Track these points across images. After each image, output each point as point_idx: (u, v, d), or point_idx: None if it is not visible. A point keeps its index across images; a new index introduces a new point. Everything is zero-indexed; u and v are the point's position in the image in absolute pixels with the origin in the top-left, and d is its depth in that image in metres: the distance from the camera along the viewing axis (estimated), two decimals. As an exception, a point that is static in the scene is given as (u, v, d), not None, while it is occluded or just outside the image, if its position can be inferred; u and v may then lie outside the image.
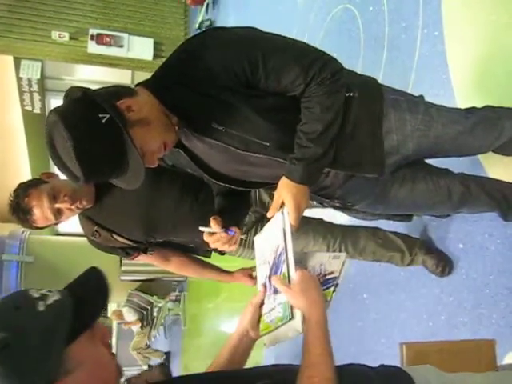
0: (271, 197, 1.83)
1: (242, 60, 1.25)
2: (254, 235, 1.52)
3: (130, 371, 7.97)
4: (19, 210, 1.72)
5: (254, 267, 1.47)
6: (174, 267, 2.13)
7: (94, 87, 1.27)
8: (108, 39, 7.03)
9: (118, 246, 1.93)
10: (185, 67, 1.29)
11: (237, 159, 1.38)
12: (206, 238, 1.50)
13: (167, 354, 8.93)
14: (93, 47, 6.97)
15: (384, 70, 2.89)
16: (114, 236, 1.88)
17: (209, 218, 1.49)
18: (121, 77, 7.48)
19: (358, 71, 1.52)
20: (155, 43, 7.29)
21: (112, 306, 8.76)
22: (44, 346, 0.78)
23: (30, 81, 7.09)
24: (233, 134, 1.30)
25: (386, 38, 2.92)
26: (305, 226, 2.06)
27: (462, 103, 2.15)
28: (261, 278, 1.29)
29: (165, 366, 8.16)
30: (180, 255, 2.10)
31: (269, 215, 1.35)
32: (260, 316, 1.21)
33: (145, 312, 8.18)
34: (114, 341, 9.54)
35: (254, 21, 5.17)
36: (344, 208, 1.70)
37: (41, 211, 1.71)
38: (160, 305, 8.33)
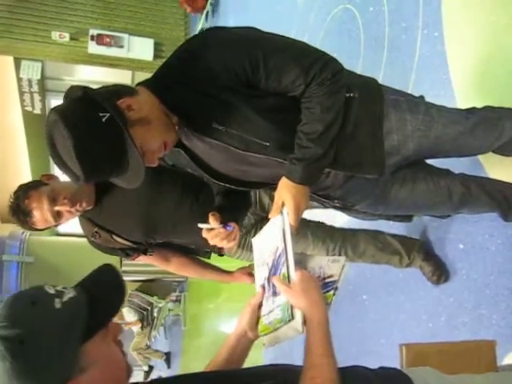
0: (272, 199, 1.83)
1: (243, 60, 1.25)
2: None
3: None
4: (19, 211, 1.72)
5: (253, 265, 1.47)
6: (174, 267, 2.13)
7: (94, 87, 1.27)
8: (108, 40, 7.03)
9: (118, 247, 1.93)
10: (185, 67, 1.29)
11: (237, 159, 1.38)
12: (204, 234, 1.51)
13: (167, 354, 8.92)
14: (93, 48, 6.97)
15: (384, 71, 2.88)
16: (114, 237, 1.88)
17: (208, 220, 1.49)
18: (121, 77, 7.48)
19: (358, 71, 1.52)
20: (155, 44, 7.29)
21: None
22: (59, 344, 0.78)
23: (30, 81, 7.09)
24: (233, 134, 1.30)
25: (386, 38, 2.92)
26: (304, 229, 2.06)
27: (463, 103, 2.15)
28: (259, 280, 1.29)
29: None
30: (180, 256, 2.10)
31: (271, 216, 1.35)
32: (258, 317, 1.21)
33: (145, 312, 8.18)
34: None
35: (254, 23, 5.17)
36: (344, 208, 1.70)
37: (40, 213, 1.71)
38: (160, 305, 8.33)
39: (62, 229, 8.55)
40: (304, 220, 1.98)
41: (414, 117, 1.45)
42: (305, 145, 1.29)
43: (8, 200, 1.73)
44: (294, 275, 1.14)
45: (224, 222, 1.49)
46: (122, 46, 7.11)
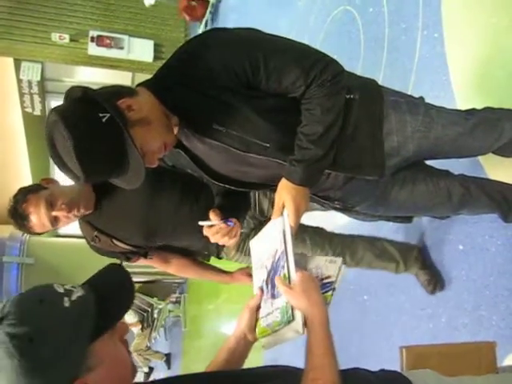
0: (272, 203, 1.82)
1: (243, 61, 1.25)
2: None
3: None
4: (17, 215, 1.72)
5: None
6: (174, 269, 2.13)
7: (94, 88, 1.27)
8: (108, 41, 7.03)
9: (119, 251, 1.93)
10: (185, 67, 1.29)
11: (237, 160, 1.38)
12: (205, 231, 1.50)
13: (168, 355, 8.91)
14: (93, 49, 6.97)
15: (384, 72, 2.89)
16: (114, 241, 1.88)
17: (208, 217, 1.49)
18: (121, 79, 7.48)
19: (358, 73, 1.52)
20: (155, 45, 7.29)
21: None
22: (67, 343, 0.78)
23: (30, 83, 7.09)
24: (233, 135, 1.30)
25: (385, 39, 2.93)
26: (302, 235, 2.06)
27: (462, 105, 2.15)
28: (257, 282, 1.29)
29: None
30: (180, 257, 2.10)
31: (273, 218, 1.35)
32: (257, 319, 1.21)
33: (145, 314, 8.17)
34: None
35: (254, 26, 5.17)
36: (344, 209, 1.70)
37: (38, 218, 1.71)
38: (160, 306, 8.33)
39: (62, 230, 8.55)
40: (302, 225, 1.98)
41: (414, 118, 1.45)
42: (305, 146, 1.29)
43: (8, 202, 1.74)
44: (295, 276, 1.14)
45: (225, 218, 1.49)
46: (121, 48, 7.11)
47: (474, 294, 2.07)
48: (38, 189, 1.75)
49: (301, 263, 1.24)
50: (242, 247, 2.06)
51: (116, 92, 1.25)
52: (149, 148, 1.25)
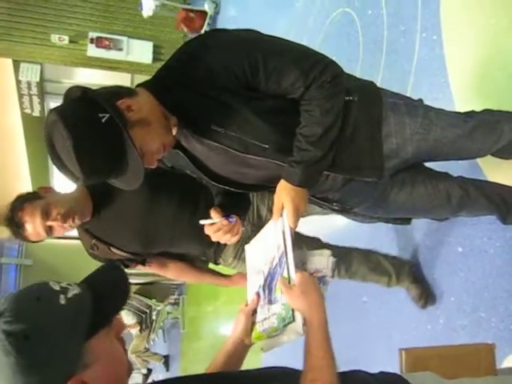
0: (270, 212, 1.82)
1: (243, 61, 1.25)
2: None
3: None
4: (13, 223, 1.73)
5: None
6: (173, 273, 2.14)
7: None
8: (107, 42, 7.03)
9: (117, 258, 1.93)
10: (185, 68, 1.29)
11: (236, 161, 1.38)
12: (207, 230, 1.48)
13: (166, 357, 8.90)
14: (92, 50, 6.96)
15: (383, 74, 2.89)
16: (112, 249, 1.89)
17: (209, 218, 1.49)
18: (120, 80, 7.47)
19: (357, 75, 1.52)
20: (154, 46, 7.29)
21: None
22: (63, 340, 0.78)
23: (29, 84, 7.08)
24: (232, 136, 1.29)
25: (384, 41, 2.93)
26: (299, 242, 2.06)
27: (461, 107, 2.16)
28: (253, 287, 1.29)
29: None
30: (178, 261, 2.10)
31: (273, 220, 1.35)
32: (253, 323, 1.22)
33: (144, 315, 8.17)
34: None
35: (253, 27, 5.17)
36: (343, 211, 1.70)
37: (33, 227, 1.72)
38: (159, 308, 8.32)
39: (61, 231, 8.53)
40: (298, 234, 1.98)
41: (413, 120, 1.45)
42: (304, 147, 1.29)
43: (5, 208, 1.74)
44: (295, 276, 1.14)
45: (226, 215, 1.48)
46: (121, 49, 7.11)
47: (473, 295, 2.07)
48: (35, 197, 1.76)
49: (300, 261, 1.24)
50: (240, 254, 2.05)
51: (115, 92, 1.25)
52: (148, 148, 1.25)
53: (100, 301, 0.84)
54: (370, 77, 1.56)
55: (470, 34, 2.26)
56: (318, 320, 1.04)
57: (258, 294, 1.25)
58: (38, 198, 1.76)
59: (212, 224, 1.47)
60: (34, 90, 7.17)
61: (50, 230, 1.75)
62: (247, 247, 1.44)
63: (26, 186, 7.62)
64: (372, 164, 1.43)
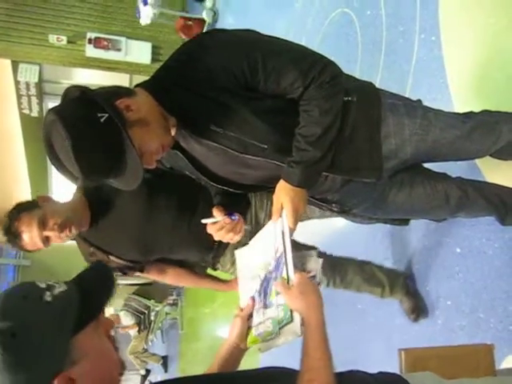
0: (269, 217, 1.82)
1: (242, 62, 1.25)
2: None
3: (127, 375, 7.92)
4: (10, 233, 1.74)
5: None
6: (171, 279, 2.14)
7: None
8: (106, 43, 7.02)
9: (115, 266, 1.93)
10: (184, 68, 1.29)
11: (234, 162, 1.37)
12: (209, 229, 1.47)
13: (164, 358, 8.90)
14: (91, 51, 6.95)
15: (381, 74, 2.89)
16: (111, 257, 1.88)
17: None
18: (119, 81, 7.46)
19: (356, 75, 1.52)
20: (153, 47, 7.28)
21: (109, 310, 8.73)
22: (50, 337, 0.78)
23: (27, 84, 7.07)
24: (231, 136, 1.29)
25: (383, 42, 2.93)
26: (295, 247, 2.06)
27: (460, 108, 2.16)
28: (248, 292, 1.29)
29: None
30: (176, 267, 2.10)
31: (273, 220, 1.35)
32: (249, 327, 1.22)
33: (142, 316, 8.15)
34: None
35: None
36: (342, 212, 1.70)
37: (30, 237, 1.73)
38: (157, 309, 8.31)
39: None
40: (294, 242, 1.98)
41: (412, 121, 1.45)
42: (303, 147, 1.29)
43: (3, 215, 1.74)
44: (294, 277, 1.14)
45: (229, 213, 1.47)
46: (119, 50, 7.10)
47: (472, 296, 2.07)
48: (33, 207, 1.76)
49: (299, 262, 1.24)
50: None
51: (114, 92, 1.24)
52: (147, 148, 1.24)
53: (86, 296, 0.85)
54: (368, 77, 1.56)
55: (468, 34, 2.26)
56: (315, 321, 1.04)
57: (253, 299, 1.25)
58: (35, 206, 1.76)
59: (214, 223, 1.46)
60: (33, 91, 7.16)
61: (46, 240, 1.75)
62: (237, 252, 1.44)
63: (25, 187, 7.62)
64: (371, 165, 1.43)
